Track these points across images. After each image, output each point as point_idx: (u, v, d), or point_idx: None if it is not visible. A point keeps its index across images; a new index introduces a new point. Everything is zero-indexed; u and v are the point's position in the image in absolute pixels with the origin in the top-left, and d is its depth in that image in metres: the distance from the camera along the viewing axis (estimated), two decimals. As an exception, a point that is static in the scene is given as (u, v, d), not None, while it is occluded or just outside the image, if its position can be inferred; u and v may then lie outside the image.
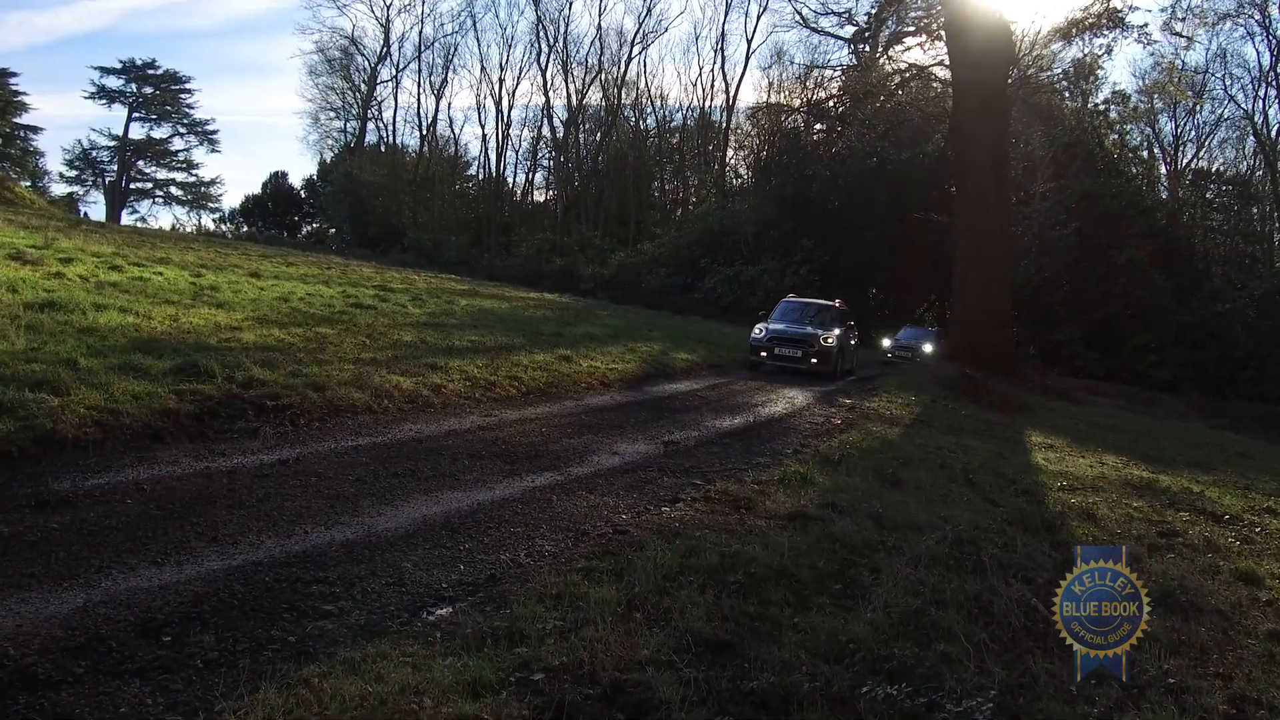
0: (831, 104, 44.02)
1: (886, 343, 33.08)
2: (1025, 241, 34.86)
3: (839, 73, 45.46)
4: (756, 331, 20.63)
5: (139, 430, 7.27)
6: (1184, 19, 29.89)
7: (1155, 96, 46.14)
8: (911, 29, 39.50)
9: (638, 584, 4.81)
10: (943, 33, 30.02)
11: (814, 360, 19.90)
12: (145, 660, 3.63)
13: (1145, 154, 47.76)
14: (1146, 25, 32.63)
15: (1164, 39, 32.68)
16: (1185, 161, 48.32)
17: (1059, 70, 35.11)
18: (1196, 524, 8.88)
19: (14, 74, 65.12)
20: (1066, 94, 40.43)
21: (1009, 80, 25.89)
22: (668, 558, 5.27)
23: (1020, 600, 5.50)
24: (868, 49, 45.01)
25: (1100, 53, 30.87)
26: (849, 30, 46.05)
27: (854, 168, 39.11)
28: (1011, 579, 5.89)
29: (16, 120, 65.45)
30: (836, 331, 20.80)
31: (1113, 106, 45.14)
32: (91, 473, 6.23)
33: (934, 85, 36.66)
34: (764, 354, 20.09)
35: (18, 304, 10.90)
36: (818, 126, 45.51)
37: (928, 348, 30.75)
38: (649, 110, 60.03)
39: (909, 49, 41.30)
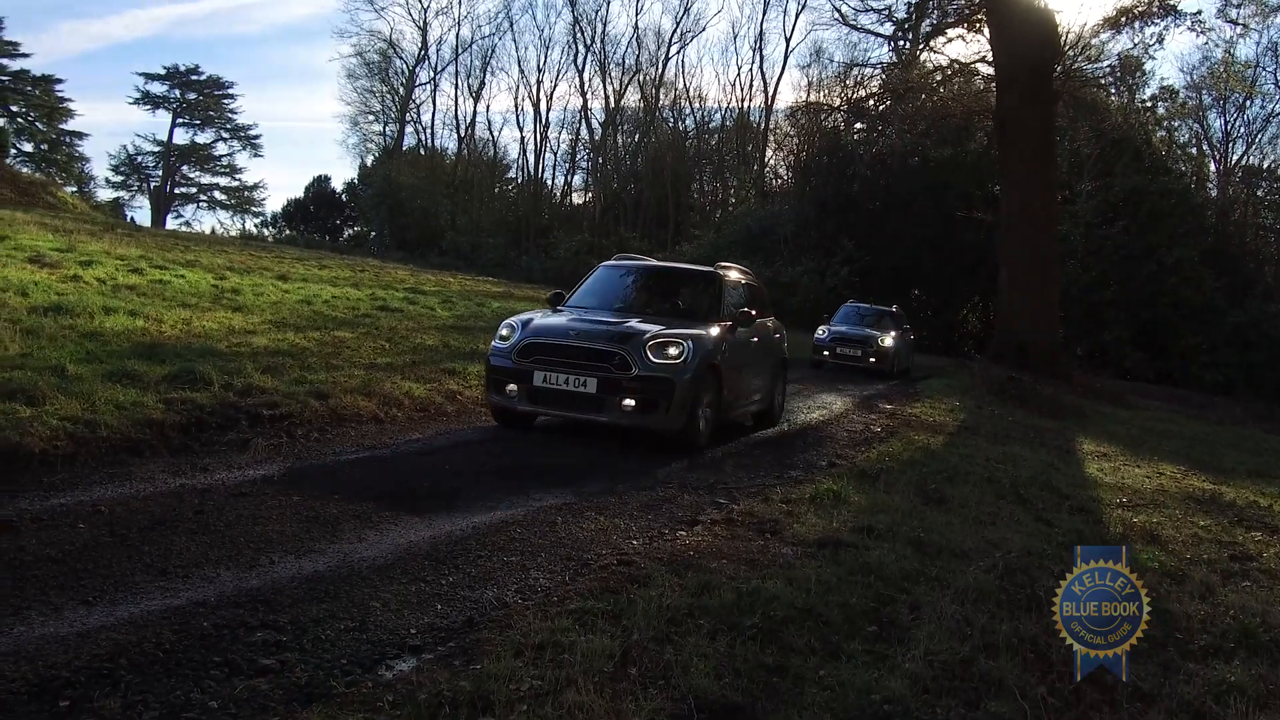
0: (871, 102, 42.93)
1: (820, 333, 22.27)
2: (1071, 241, 33.87)
3: (879, 70, 44.47)
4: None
5: (116, 443, 6.74)
6: (1240, 4, 28.73)
7: (1204, 92, 44.92)
8: (953, 20, 38.54)
9: (637, 630, 4.13)
10: (985, 24, 29.14)
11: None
12: (28, 732, 3.05)
13: (1194, 151, 46.46)
14: (1200, 13, 31.50)
15: (1218, 27, 31.45)
16: (1235, 159, 46.90)
17: (1105, 64, 33.97)
18: (1270, 545, 8.09)
19: (59, 80, 65.89)
20: (1113, 90, 39.26)
21: (1054, 74, 24.95)
22: (675, 596, 4.60)
23: (1082, 643, 4.80)
24: (908, 45, 44.05)
25: (1151, 42, 29.74)
26: (889, 27, 45.18)
27: (895, 167, 38.20)
28: (1071, 616, 5.18)
29: (63, 126, 66.25)
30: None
31: (1160, 103, 43.96)
32: (53, 492, 5.68)
33: (976, 81, 35.65)
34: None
35: (24, 308, 10.49)
36: (858, 125, 44.52)
37: (888, 340, 21.67)
38: (687, 111, 59.32)
39: (950, 41, 40.34)
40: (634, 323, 9.54)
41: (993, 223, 30.14)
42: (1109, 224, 34.70)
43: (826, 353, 21.68)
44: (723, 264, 11.69)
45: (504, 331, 9.59)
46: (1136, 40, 30.52)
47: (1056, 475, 10.07)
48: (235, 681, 3.47)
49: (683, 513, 6.74)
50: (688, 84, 71.63)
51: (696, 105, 59.11)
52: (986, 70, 32.70)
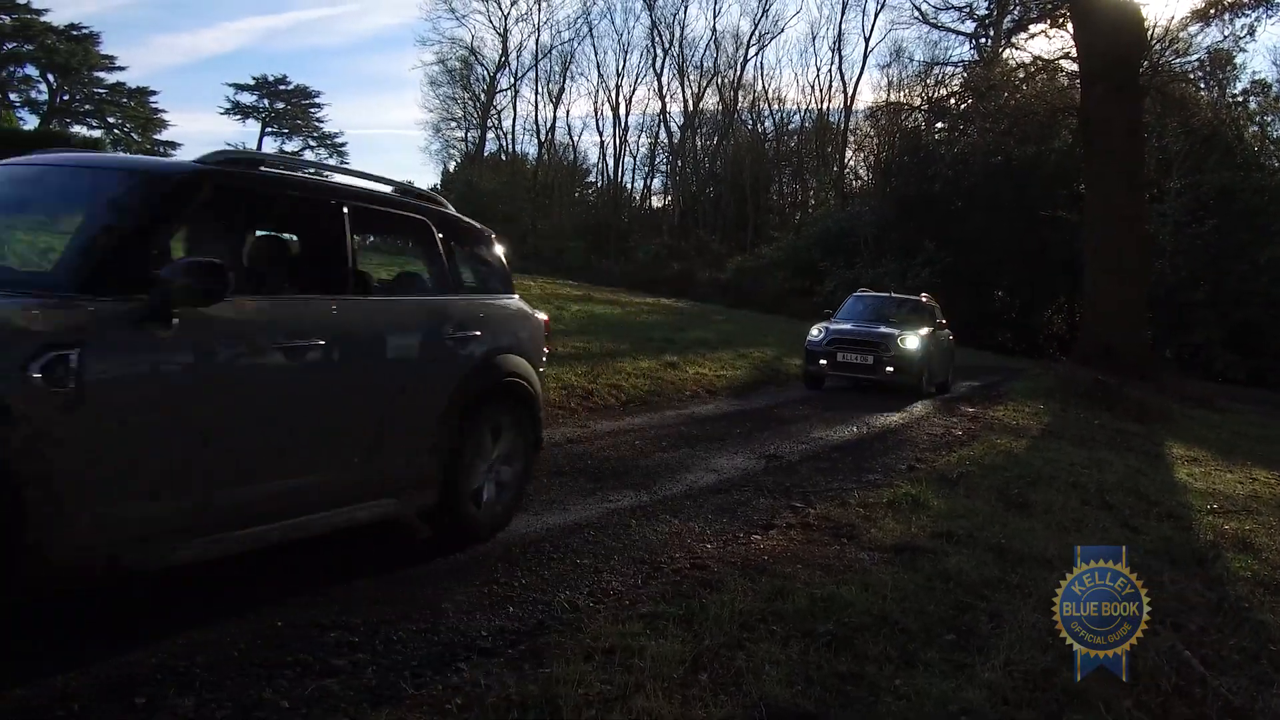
0: (952, 101, 42.35)
1: (813, 334, 16.13)
2: (1160, 240, 32.98)
3: (960, 68, 43.85)
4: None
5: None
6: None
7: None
8: (1035, 16, 37.84)
9: (708, 636, 4.09)
10: (1068, 19, 28.56)
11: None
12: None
13: (1288, 146, 44.99)
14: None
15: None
16: (1332, 155, 45.30)
17: (1194, 58, 33.09)
18: (1371, 555, 7.78)
19: (154, 92, 67.82)
20: (1202, 84, 38.22)
21: (1141, 69, 24.35)
22: (748, 601, 4.54)
23: (1170, 654, 4.63)
24: (989, 42, 43.35)
25: (1242, 34, 28.92)
26: (970, 25, 44.50)
27: (977, 166, 37.54)
28: (1158, 627, 5.01)
29: (157, 137, 68.19)
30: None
31: (1252, 97, 42.49)
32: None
33: (1060, 78, 34.93)
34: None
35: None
36: (939, 125, 43.89)
37: (912, 341, 15.70)
38: (766, 113, 59.07)
39: (1033, 37, 39.65)
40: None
41: (1078, 222, 29.46)
42: (1199, 222, 33.74)
43: (824, 361, 15.41)
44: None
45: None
46: (1227, 33, 29.75)
47: (1144, 481, 9.78)
48: (305, 682, 3.50)
49: (758, 516, 6.67)
50: (766, 86, 71.12)
51: (775, 107, 58.86)
52: (1070, 67, 32.07)
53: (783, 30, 71.22)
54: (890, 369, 15.22)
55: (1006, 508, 7.43)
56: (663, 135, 60.96)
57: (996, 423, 12.88)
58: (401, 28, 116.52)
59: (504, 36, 62.32)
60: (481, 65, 63.63)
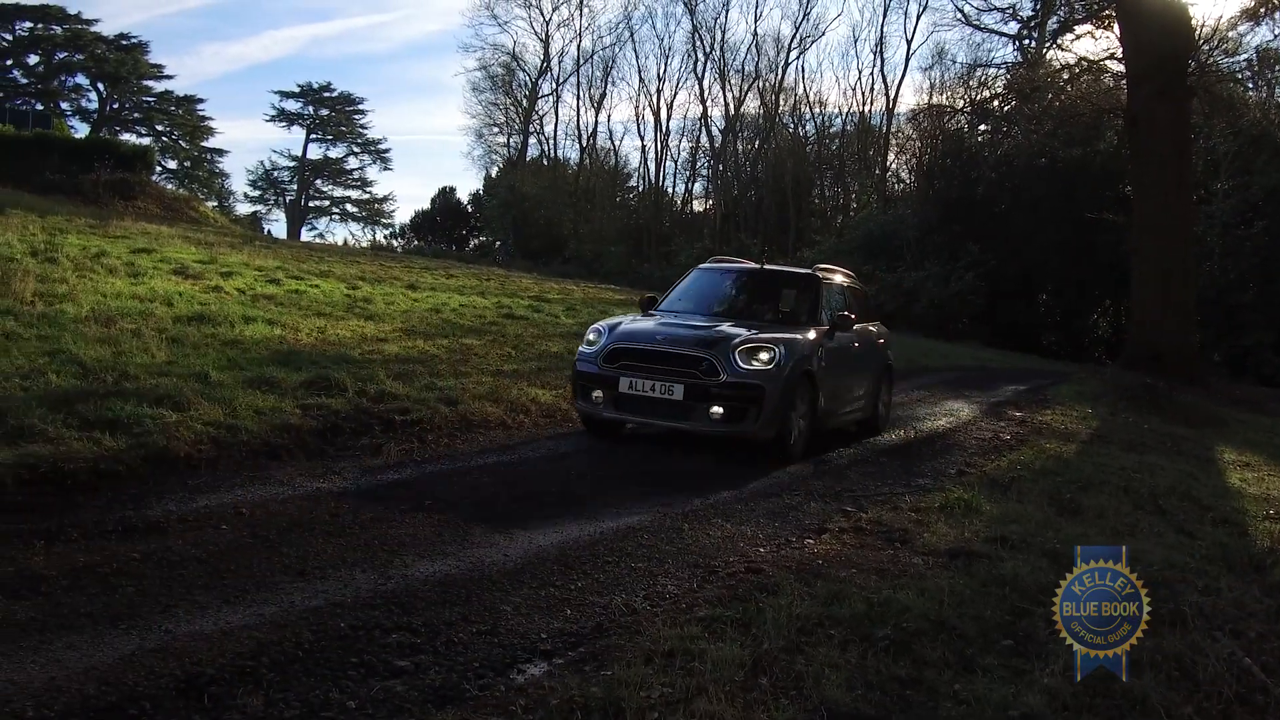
0: (996, 103, 41.92)
1: (589, 339, 9.27)
2: (1208, 242, 32.51)
3: (1003, 70, 43.41)
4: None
5: (256, 448, 6.98)
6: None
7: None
8: (1081, 17, 37.40)
9: (767, 639, 4.09)
10: (1114, 19, 28.22)
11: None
12: (171, 730, 3.15)
13: (1340, 148, 44.19)
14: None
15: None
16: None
17: (1243, 58, 32.58)
18: None
19: (201, 100, 69.03)
20: (1251, 85, 37.67)
21: (1188, 70, 24.02)
22: (805, 605, 4.54)
23: (1230, 661, 4.58)
24: (1033, 43, 42.96)
25: (1293, 33, 28.49)
26: (1013, 26, 44.09)
27: (1021, 168, 37.17)
28: (1218, 633, 4.96)
29: (204, 144, 69.48)
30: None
31: (1302, 97, 41.93)
32: (197, 494, 5.90)
33: (1106, 79, 34.52)
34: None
35: (169, 317, 10.90)
36: (982, 127, 43.49)
37: (764, 359, 8.53)
38: (807, 116, 58.80)
39: (1078, 38, 39.11)
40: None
41: (1124, 224, 29.14)
42: (1248, 224, 33.21)
43: (598, 392, 8.77)
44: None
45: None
46: (1277, 32, 29.33)
47: (1196, 485, 9.66)
48: (372, 682, 3.55)
49: (810, 520, 6.67)
50: (808, 89, 71.05)
51: (817, 110, 58.59)
52: (1116, 67, 31.60)
53: (824, 33, 71.05)
54: (718, 410, 8.36)
55: (1059, 512, 7.36)
56: (704, 139, 60.93)
57: (1044, 427, 12.76)
58: (444, 34, 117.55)
59: (546, 42, 62.60)
60: (523, 71, 63.98)
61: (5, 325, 8.96)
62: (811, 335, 9.35)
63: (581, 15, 77.29)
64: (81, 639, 3.70)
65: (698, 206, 63.14)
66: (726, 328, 9.04)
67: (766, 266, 11.07)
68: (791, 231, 51.68)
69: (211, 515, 5.46)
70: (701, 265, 11.53)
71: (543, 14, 62.88)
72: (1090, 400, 16.49)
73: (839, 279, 11.08)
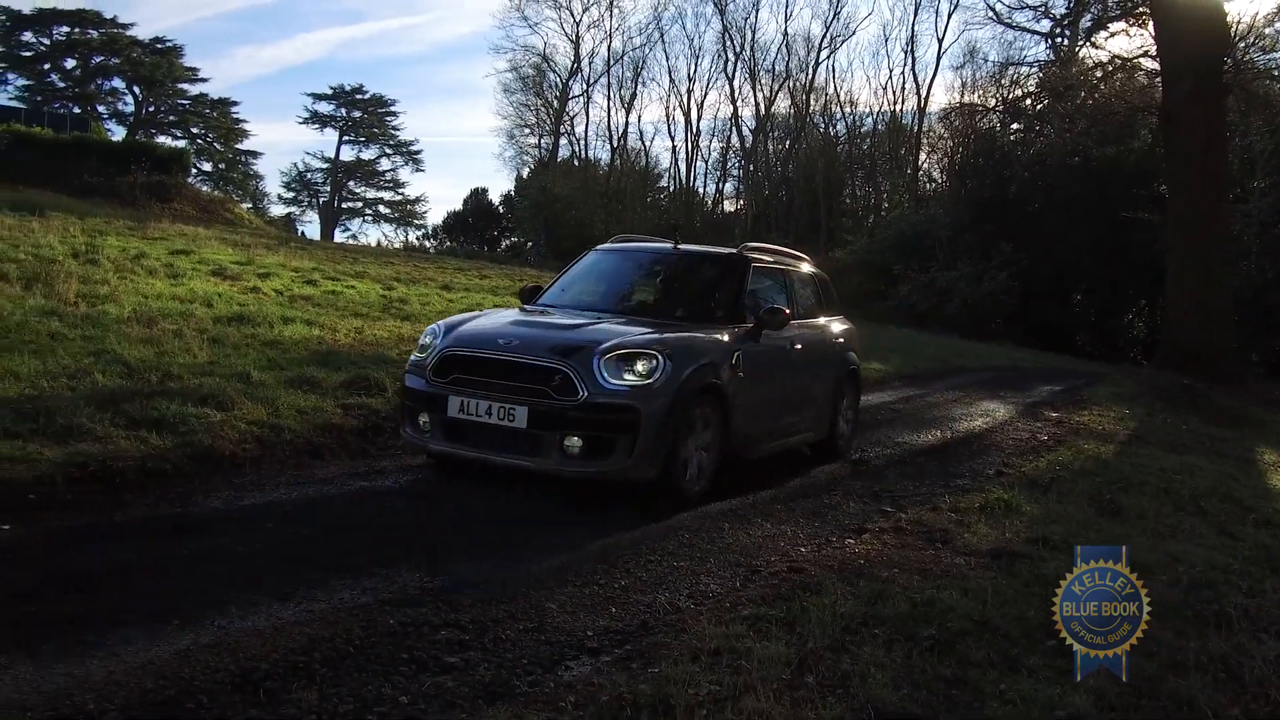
0: (1028, 101, 41.67)
1: (422, 342, 7.05)
2: (1244, 241, 32.16)
3: (1036, 68, 43.13)
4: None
5: (299, 447, 7.05)
6: None
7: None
8: (1115, 14, 37.06)
9: (812, 638, 4.11)
10: (1149, 17, 27.99)
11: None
12: (230, 723, 3.21)
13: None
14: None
15: None
16: None
17: (1279, 55, 32.18)
18: None
19: (235, 103, 69.67)
20: (1287, 82, 37.27)
21: (1224, 67, 23.78)
22: (849, 605, 4.55)
23: (1277, 662, 4.56)
24: (1066, 41, 42.64)
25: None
26: (1046, 24, 43.75)
27: (1054, 167, 36.85)
28: (1263, 635, 4.93)
29: (238, 146, 70.10)
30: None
31: (1340, 94, 41.41)
32: (243, 492, 5.98)
33: (1139, 77, 34.23)
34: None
35: (209, 318, 11.01)
36: (1014, 126, 43.21)
37: (641, 370, 6.21)
38: (838, 116, 58.72)
39: (1112, 36, 38.78)
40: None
41: (1160, 223, 28.88)
42: (1286, 222, 32.93)
43: (425, 414, 6.55)
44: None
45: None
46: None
47: (1238, 487, 9.59)
48: (423, 678, 3.60)
49: (849, 520, 6.68)
50: (838, 89, 70.80)
51: (847, 110, 58.49)
52: (1151, 65, 31.40)
53: (854, 33, 70.57)
54: (575, 441, 6.10)
55: (1099, 513, 7.33)
56: (734, 139, 60.95)
57: (1082, 427, 12.68)
58: (475, 36, 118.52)
59: (576, 43, 62.72)
60: (554, 72, 64.10)
61: (51, 326, 9.07)
62: (723, 336, 7.11)
63: (612, 16, 77.01)
64: (137, 634, 3.76)
65: (729, 207, 63.25)
66: (604, 326, 6.85)
67: (681, 247, 8.55)
68: (823, 231, 51.58)
69: (258, 513, 5.54)
70: (600, 245, 9.18)
71: (573, 15, 62.95)
72: (1127, 401, 16.37)
73: (791, 264, 9.09)
